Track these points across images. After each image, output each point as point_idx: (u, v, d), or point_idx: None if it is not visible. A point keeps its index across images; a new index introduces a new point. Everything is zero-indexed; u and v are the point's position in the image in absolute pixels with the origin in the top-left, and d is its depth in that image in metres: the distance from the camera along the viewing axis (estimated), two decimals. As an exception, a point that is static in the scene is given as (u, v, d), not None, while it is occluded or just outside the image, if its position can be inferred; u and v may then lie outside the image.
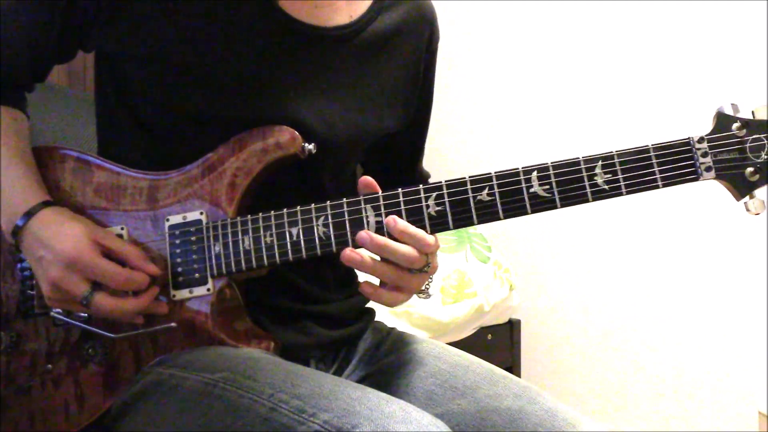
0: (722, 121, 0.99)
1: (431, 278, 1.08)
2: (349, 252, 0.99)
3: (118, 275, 1.02)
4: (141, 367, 1.04)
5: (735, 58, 2.29)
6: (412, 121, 1.24)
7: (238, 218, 1.04)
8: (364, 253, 1.00)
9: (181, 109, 1.07)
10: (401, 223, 1.00)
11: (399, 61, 1.19)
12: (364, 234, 1.00)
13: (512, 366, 2.48)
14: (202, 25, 1.06)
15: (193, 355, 1.02)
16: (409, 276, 1.01)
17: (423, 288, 1.07)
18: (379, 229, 1.01)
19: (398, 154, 1.28)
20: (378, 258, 1.01)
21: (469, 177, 1.00)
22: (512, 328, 2.51)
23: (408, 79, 1.21)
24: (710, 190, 1.04)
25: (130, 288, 1.02)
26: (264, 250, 1.03)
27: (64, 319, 1.06)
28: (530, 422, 1.02)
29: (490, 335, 2.43)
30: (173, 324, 1.04)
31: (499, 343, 2.46)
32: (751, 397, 2.32)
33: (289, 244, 1.02)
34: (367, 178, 1.03)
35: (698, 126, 1.04)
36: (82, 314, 1.06)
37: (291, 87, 1.09)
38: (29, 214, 1.04)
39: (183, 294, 1.04)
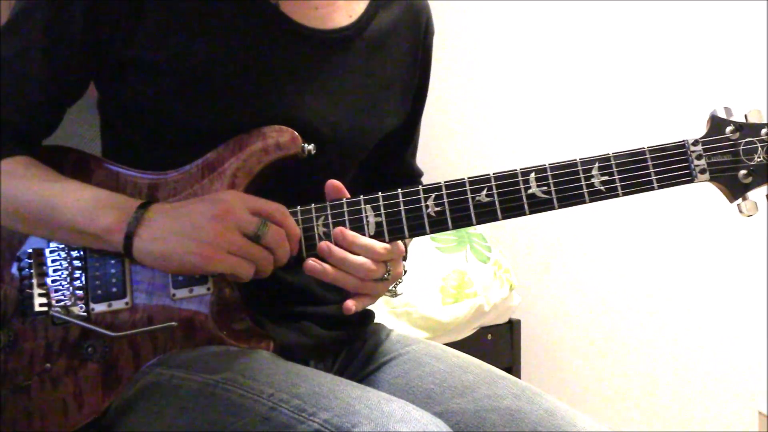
0: (716, 124, 1.01)
1: (401, 279, 1.09)
2: (311, 262, 1.00)
3: (275, 205, 1.01)
4: (140, 367, 1.04)
5: (733, 59, 2.29)
6: (407, 115, 1.25)
7: (239, 218, 1.05)
8: (327, 263, 1.01)
9: (185, 117, 1.07)
10: (350, 235, 1.01)
11: (397, 58, 1.20)
12: (324, 246, 1.01)
13: (512, 366, 2.48)
14: (205, 34, 1.06)
15: (192, 356, 1.02)
16: (372, 284, 1.03)
17: (390, 288, 1.08)
18: (379, 231, 1.02)
19: (391, 146, 1.27)
20: None
21: (468, 178, 1.02)
22: (512, 328, 2.51)
23: (406, 75, 1.22)
24: (709, 191, 1.05)
25: (287, 214, 1.01)
26: (264, 249, 1.03)
27: (63, 317, 1.06)
28: (529, 421, 1.03)
29: (490, 335, 2.43)
30: (174, 323, 1.04)
31: (499, 343, 2.46)
32: (751, 397, 2.33)
33: (289, 243, 1.03)
34: (335, 183, 1.04)
35: (693, 128, 1.05)
36: (82, 313, 1.07)
37: (295, 91, 1.09)
38: (143, 207, 1.00)
39: (183, 293, 1.04)
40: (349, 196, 1.04)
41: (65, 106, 1.13)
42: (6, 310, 1.09)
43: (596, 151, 1.01)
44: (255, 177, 1.05)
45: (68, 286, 1.08)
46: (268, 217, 0.99)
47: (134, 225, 0.98)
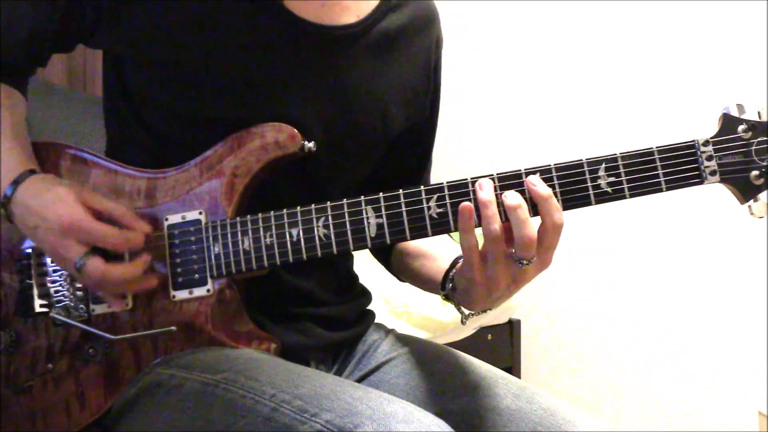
0: (728, 123, 0.96)
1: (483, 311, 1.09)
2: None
3: (115, 235, 1.01)
4: (142, 367, 1.04)
5: (739, 57, 2.29)
6: (419, 125, 1.22)
7: (238, 219, 1.03)
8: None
9: (186, 111, 1.07)
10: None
11: (407, 61, 1.17)
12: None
13: (512, 366, 2.48)
14: (207, 28, 1.05)
15: (194, 356, 1.01)
16: (504, 263, 1.00)
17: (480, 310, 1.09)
18: (380, 232, 1.00)
19: (406, 160, 1.25)
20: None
21: (471, 178, 0.98)
22: (512, 328, 2.51)
23: (417, 80, 1.19)
24: (710, 191, 1.03)
25: (128, 248, 1.02)
26: (264, 250, 1.02)
27: (63, 319, 1.06)
28: (529, 421, 1.03)
29: (490, 335, 2.43)
30: (173, 328, 1.03)
31: (499, 343, 2.46)
32: (751, 397, 2.32)
33: (289, 244, 1.01)
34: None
35: (703, 127, 1.02)
36: (82, 314, 1.06)
37: (293, 87, 1.08)
38: (16, 183, 1.04)
39: (182, 295, 1.04)
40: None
41: (49, 50, 1.15)
42: (7, 310, 1.08)
43: (603, 151, 0.97)
44: (254, 176, 1.05)
45: (68, 286, 1.07)
46: (113, 219, 1.02)
47: (5, 203, 1.05)
